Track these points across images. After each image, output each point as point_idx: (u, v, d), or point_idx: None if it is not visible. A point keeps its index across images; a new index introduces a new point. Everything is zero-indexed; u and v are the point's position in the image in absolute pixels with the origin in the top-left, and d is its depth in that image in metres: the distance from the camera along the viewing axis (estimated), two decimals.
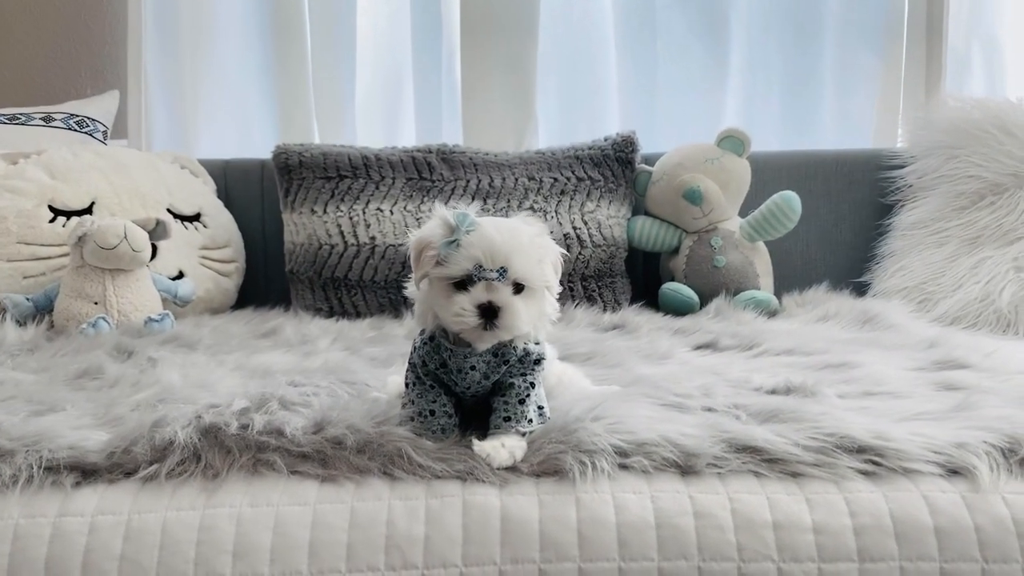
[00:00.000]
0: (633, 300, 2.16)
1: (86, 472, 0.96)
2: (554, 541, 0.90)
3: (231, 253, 2.25)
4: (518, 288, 0.99)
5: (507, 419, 1.01)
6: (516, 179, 2.13)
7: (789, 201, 2.07)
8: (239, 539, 0.91)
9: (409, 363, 1.06)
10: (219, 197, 2.33)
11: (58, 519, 0.92)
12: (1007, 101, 2.18)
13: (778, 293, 2.16)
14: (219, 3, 2.47)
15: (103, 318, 1.74)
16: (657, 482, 0.94)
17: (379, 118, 2.52)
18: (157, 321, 1.79)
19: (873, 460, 0.95)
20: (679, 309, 2.05)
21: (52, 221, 1.94)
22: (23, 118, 2.21)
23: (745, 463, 0.95)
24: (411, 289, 1.07)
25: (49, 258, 1.91)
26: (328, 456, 0.97)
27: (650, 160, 2.26)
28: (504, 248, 0.98)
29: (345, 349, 1.57)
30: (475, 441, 0.99)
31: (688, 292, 2.07)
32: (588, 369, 1.38)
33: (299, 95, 2.46)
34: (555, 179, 2.13)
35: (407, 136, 2.49)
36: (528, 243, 1.01)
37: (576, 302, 2.02)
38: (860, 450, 0.95)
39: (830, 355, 1.44)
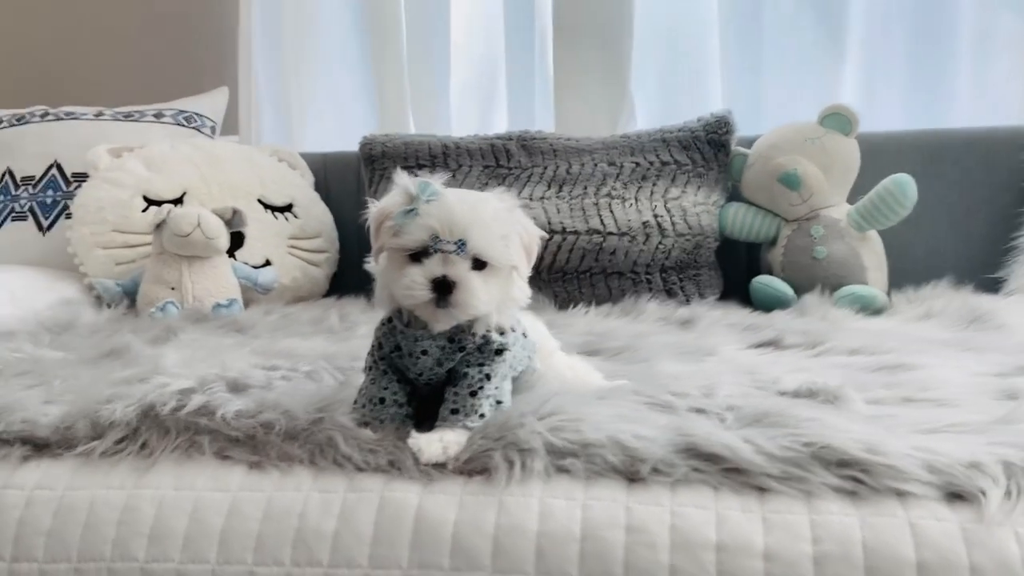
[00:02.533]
0: (731, 294, 1.99)
1: (37, 446, 0.97)
2: (466, 547, 0.81)
3: (322, 243, 2.27)
4: (479, 265, 0.91)
5: (454, 412, 0.93)
6: (595, 164, 2.02)
7: (901, 185, 1.83)
8: (157, 522, 0.88)
9: (371, 345, 1.00)
10: (318, 189, 2.37)
11: (1, 491, 0.93)
12: None
13: (894, 288, 1.92)
14: (321, 2, 2.51)
15: (172, 302, 1.80)
16: (595, 489, 0.83)
17: (473, 108, 2.48)
18: (225, 306, 1.84)
19: (856, 477, 0.78)
20: (771, 304, 1.86)
21: (145, 211, 2.03)
22: (136, 115, 2.34)
23: (700, 472, 0.82)
24: (371, 264, 1.01)
25: (139, 246, 2.00)
26: (258, 441, 0.93)
27: (751, 142, 2.07)
28: (464, 219, 0.89)
29: None
30: (412, 433, 0.92)
31: (781, 286, 1.88)
32: (610, 364, 1.28)
33: (396, 87, 2.46)
34: (637, 164, 2.00)
35: (500, 125, 2.43)
36: (492, 216, 0.92)
37: (652, 295, 1.87)
38: (841, 464, 0.79)
39: (894, 355, 1.24)
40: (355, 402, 0.98)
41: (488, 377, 0.94)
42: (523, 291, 0.99)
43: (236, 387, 1.04)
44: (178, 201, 2.07)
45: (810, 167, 1.90)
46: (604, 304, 1.86)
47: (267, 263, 2.12)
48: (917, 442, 0.82)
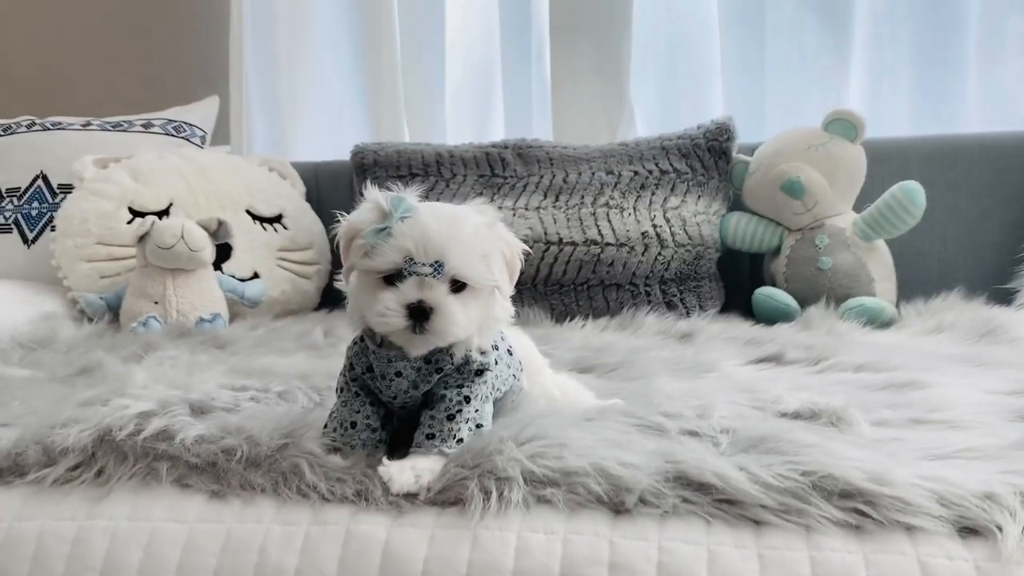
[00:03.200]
0: (732, 306, 1.92)
1: None
2: None
3: (313, 255, 2.22)
4: (458, 287, 0.84)
5: (430, 437, 0.86)
6: (593, 173, 1.96)
7: (910, 193, 1.77)
8: (109, 556, 0.82)
9: (343, 365, 0.94)
10: (310, 199, 2.31)
11: None
12: None
13: (904, 300, 1.85)
14: (313, 8, 2.46)
15: (154, 317, 1.74)
16: (578, 521, 0.76)
17: (468, 115, 2.41)
18: (208, 321, 1.78)
19: (859, 509, 0.72)
20: (774, 316, 1.79)
21: (130, 223, 1.98)
22: (125, 125, 2.29)
23: (690, 503, 0.75)
24: (342, 282, 0.94)
25: (124, 258, 1.94)
26: (220, 469, 0.86)
27: (754, 149, 2.01)
28: (440, 238, 0.83)
29: None
30: (384, 460, 0.85)
31: (784, 298, 1.81)
32: (604, 382, 1.22)
33: (390, 94, 2.41)
34: (635, 172, 1.94)
35: (496, 132, 2.37)
36: (471, 234, 0.85)
37: (651, 308, 1.81)
38: (844, 494, 0.73)
39: (901, 372, 1.17)
40: (325, 426, 0.92)
41: (467, 400, 0.88)
42: (506, 309, 0.92)
43: (199, 410, 0.97)
44: (164, 213, 2.02)
45: (814, 175, 1.83)
46: (602, 317, 1.80)
47: (255, 276, 2.06)
48: (926, 470, 0.75)
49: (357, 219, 0.89)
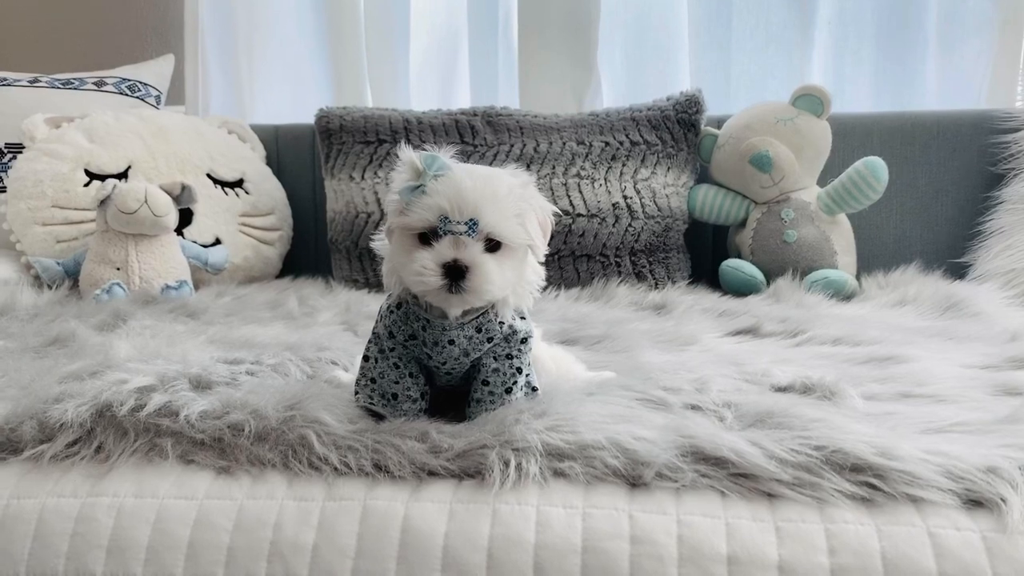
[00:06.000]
0: (698, 277, 1.96)
1: None
2: (459, 561, 0.75)
3: (275, 220, 2.18)
4: (493, 246, 0.84)
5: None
6: (564, 143, 1.96)
7: (873, 169, 1.81)
8: (116, 533, 0.80)
9: (373, 333, 0.93)
10: (270, 163, 2.27)
11: None
12: None
13: (862, 272, 1.91)
14: None
15: (118, 284, 1.69)
16: (595, 495, 0.77)
17: (433, 81, 2.39)
18: (174, 288, 1.74)
19: (870, 483, 0.74)
20: (740, 288, 1.83)
21: (87, 185, 1.92)
22: (76, 83, 2.20)
23: (707, 477, 0.77)
24: (378, 243, 0.93)
25: (82, 222, 1.89)
26: (226, 444, 0.85)
27: (722, 122, 2.04)
28: (475, 196, 0.82)
29: (343, 323, 1.45)
30: None
31: (751, 270, 1.85)
32: (591, 354, 1.22)
33: (352, 57, 2.37)
34: (606, 143, 1.94)
35: (462, 99, 2.35)
36: (505, 193, 0.84)
37: (621, 279, 1.83)
38: (855, 468, 0.75)
39: (880, 346, 1.21)
40: (356, 393, 0.91)
41: (519, 370, 0.90)
42: (538, 273, 0.92)
43: (199, 384, 0.95)
44: (122, 175, 1.96)
45: (782, 149, 1.87)
46: (573, 288, 1.82)
47: (217, 241, 2.02)
48: (928, 444, 0.78)
49: (394, 180, 0.88)
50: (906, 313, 1.52)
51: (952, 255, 1.95)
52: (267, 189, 2.19)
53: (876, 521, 0.72)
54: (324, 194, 2.17)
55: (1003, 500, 0.71)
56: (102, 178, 1.93)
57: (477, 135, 2.01)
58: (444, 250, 0.82)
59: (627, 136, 1.95)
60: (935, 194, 2.03)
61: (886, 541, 0.71)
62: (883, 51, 2.16)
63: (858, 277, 1.88)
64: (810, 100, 1.89)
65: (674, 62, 2.23)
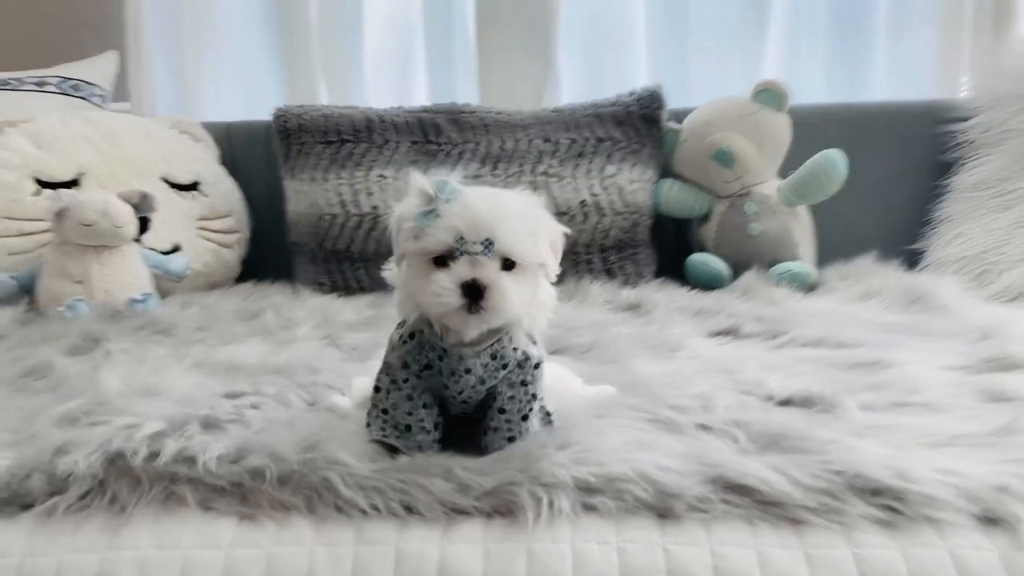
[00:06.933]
0: (662, 272, 1.99)
1: None
2: None
3: (232, 223, 2.13)
4: (507, 265, 0.84)
5: (511, 439, 0.89)
6: (530, 141, 1.96)
7: (832, 162, 1.86)
8: None
9: (384, 363, 0.92)
10: (223, 163, 2.21)
11: None
12: None
13: (821, 262, 1.96)
14: None
15: (82, 300, 1.64)
16: (627, 528, 0.79)
17: (389, 76, 2.35)
18: (140, 302, 1.69)
19: (890, 506, 0.77)
20: (707, 283, 1.87)
21: (37, 194, 1.84)
22: (14, 83, 2.11)
23: (734, 506, 0.79)
24: (390, 272, 0.93)
25: (34, 233, 1.82)
26: (247, 490, 0.84)
27: (680, 116, 2.06)
28: (489, 217, 0.82)
29: (324, 338, 1.44)
30: None
31: (718, 264, 1.88)
32: (584, 366, 1.23)
33: (304, 52, 2.32)
34: (573, 140, 1.95)
35: (419, 95, 2.32)
36: (518, 212, 0.85)
37: (593, 276, 1.85)
38: (875, 492, 0.78)
39: (863, 350, 1.25)
40: (368, 424, 0.91)
41: (534, 396, 0.91)
42: (550, 294, 0.93)
43: (207, 424, 0.94)
44: (74, 183, 1.89)
45: (744, 144, 1.90)
46: None
47: (176, 248, 1.97)
48: (939, 463, 0.82)
49: (404, 207, 0.88)
50: (873, 307, 1.58)
51: (905, 242, 2.02)
52: (223, 191, 2.14)
53: (900, 544, 0.75)
54: (282, 194, 2.13)
55: (1018, 520, 0.75)
56: (52, 186, 1.86)
57: (441, 133, 1.99)
58: (462, 270, 0.83)
59: (592, 132, 1.96)
60: (888, 183, 2.09)
61: (912, 563, 0.74)
62: (835, 43, 2.21)
63: (820, 266, 1.93)
64: (770, 95, 1.93)
65: (632, 56, 2.25)
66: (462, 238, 0.82)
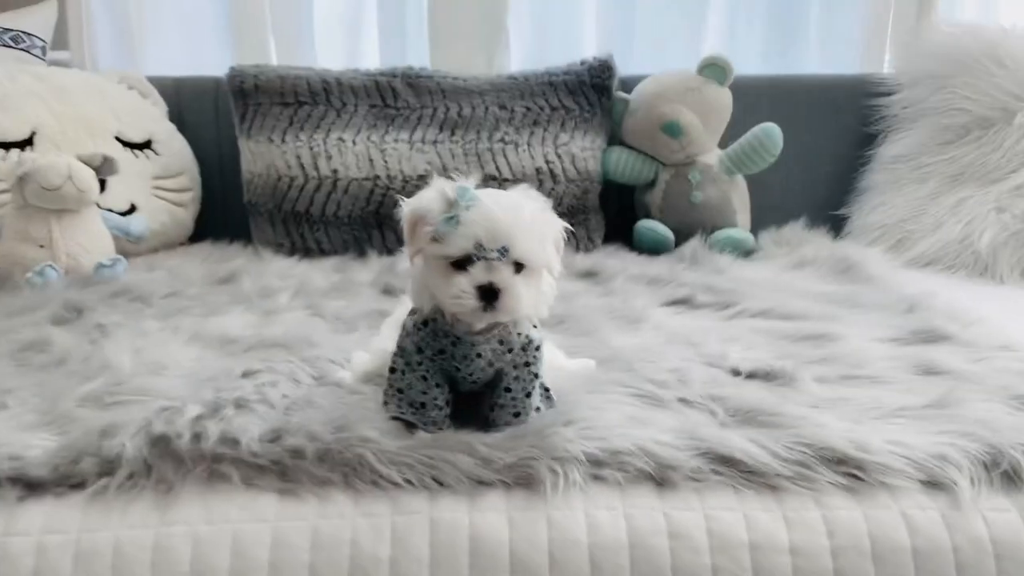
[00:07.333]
0: (607, 237, 2.10)
1: (31, 485, 0.91)
2: (525, 564, 0.87)
3: (186, 181, 2.14)
4: (518, 267, 0.94)
5: (516, 415, 0.99)
6: (487, 108, 2.03)
7: (770, 134, 2.00)
8: (196, 560, 0.87)
9: (398, 347, 1.01)
10: (171, 119, 2.20)
11: (3, 539, 0.87)
12: (1000, 28, 2.09)
13: (756, 228, 2.11)
14: None
15: (51, 266, 1.65)
16: (631, 496, 0.91)
17: (340, 36, 2.36)
18: (108, 267, 1.71)
19: (852, 474, 0.92)
20: (654, 248, 1.99)
21: None
22: None
23: (722, 475, 0.92)
24: (405, 264, 1.01)
25: None
26: (287, 467, 0.92)
27: (628, 84, 2.16)
28: (506, 226, 0.91)
29: (307, 308, 1.50)
30: None
31: (663, 230, 2.01)
32: (559, 337, 1.33)
33: (254, 9, 2.29)
34: (528, 108, 2.03)
35: (370, 57, 2.34)
36: (531, 221, 0.94)
37: None
38: (840, 462, 0.92)
39: (808, 323, 1.40)
40: (385, 403, 1.00)
41: (536, 375, 1.01)
42: (551, 285, 1.03)
43: (239, 405, 1.01)
44: (27, 143, 1.87)
45: (691, 116, 2.01)
46: None
47: (133, 208, 1.98)
48: (889, 435, 0.96)
49: (423, 205, 0.95)
50: (808, 276, 1.73)
51: (831, 208, 2.19)
52: (175, 148, 2.14)
53: (861, 506, 0.90)
54: (232, 152, 2.14)
55: (955, 483, 0.90)
56: (5, 146, 1.83)
57: (399, 97, 2.04)
58: (479, 274, 0.91)
59: (547, 101, 2.04)
60: (817, 152, 2.25)
61: (871, 523, 0.88)
62: (772, 17, 2.33)
63: (753, 232, 2.07)
64: (715, 70, 2.04)
65: (580, 23, 2.32)
66: (480, 245, 0.91)
